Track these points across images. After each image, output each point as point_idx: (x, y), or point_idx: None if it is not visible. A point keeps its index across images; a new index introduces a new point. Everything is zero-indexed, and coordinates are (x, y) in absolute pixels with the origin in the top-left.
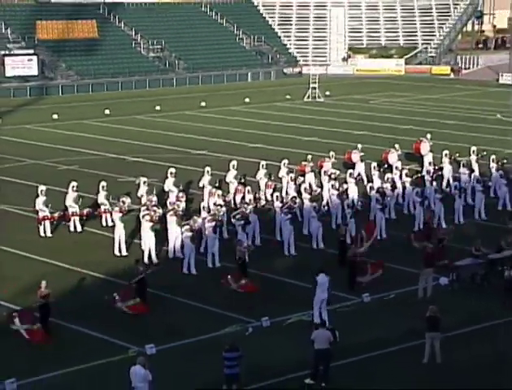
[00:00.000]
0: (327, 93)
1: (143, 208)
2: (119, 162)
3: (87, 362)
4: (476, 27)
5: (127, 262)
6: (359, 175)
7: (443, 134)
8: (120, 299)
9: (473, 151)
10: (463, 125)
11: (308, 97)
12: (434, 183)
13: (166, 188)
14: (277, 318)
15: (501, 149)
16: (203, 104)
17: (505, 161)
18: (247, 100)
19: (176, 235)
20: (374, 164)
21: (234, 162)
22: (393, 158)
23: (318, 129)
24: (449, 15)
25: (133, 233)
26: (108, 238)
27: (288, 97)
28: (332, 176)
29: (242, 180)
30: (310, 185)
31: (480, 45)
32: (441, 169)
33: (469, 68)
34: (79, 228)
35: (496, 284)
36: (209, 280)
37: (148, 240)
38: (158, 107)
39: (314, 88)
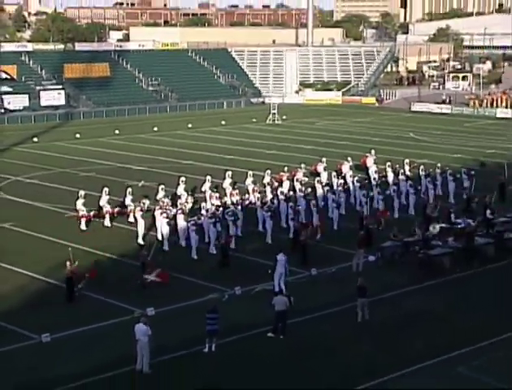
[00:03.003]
0: (284, 117)
1: (157, 207)
2: (126, 170)
3: (104, 321)
4: (394, 68)
5: (137, 248)
6: (346, 183)
7: (371, 148)
8: (149, 272)
9: (406, 162)
10: (385, 141)
11: (269, 120)
12: (378, 187)
13: (178, 193)
14: (247, 288)
15: (414, 159)
16: (190, 126)
17: (430, 170)
18: (223, 122)
19: (183, 228)
20: (334, 173)
21: (229, 172)
22: (346, 167)
23: (276, 144)
24: (374, 60)
25: (150, 227)
26: (131, 231)
27: (254, 120)
28: (302, 182)
29: (235, 186)
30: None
31: (397, 82)
32: (385, 176)
33: (389, 99)
34: (110, 224)
35: (409, 261)
36: (201, 262)
37: (164, 232)
38: (155, 128)
39: (274, 113)
